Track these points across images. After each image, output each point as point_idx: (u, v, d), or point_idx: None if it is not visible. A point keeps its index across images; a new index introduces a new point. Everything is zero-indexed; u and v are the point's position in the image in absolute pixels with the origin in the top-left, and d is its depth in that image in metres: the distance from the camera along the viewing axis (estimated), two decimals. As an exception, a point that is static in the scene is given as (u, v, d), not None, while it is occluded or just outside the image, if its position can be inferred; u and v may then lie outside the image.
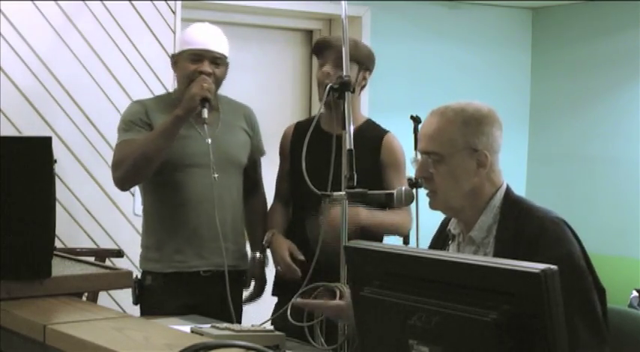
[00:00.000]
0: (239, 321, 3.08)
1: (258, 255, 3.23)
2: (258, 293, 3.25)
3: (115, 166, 3.04)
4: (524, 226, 2.14)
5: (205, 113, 2.96)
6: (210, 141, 2.99)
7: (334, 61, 3.06)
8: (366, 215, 2.98)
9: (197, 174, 3.05)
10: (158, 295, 3.07)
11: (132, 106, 3.16)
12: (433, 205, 2.27)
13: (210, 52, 3.04)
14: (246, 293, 3.22)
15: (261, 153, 3.33)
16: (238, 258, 3.17)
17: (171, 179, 3.06)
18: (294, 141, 3.22)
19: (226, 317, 2.92)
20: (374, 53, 3.22)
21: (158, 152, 2.97)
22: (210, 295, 3.06)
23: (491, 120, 2.22)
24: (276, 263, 3.13)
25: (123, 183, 3.08)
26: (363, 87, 3.20)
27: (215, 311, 2.97)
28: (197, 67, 3.03)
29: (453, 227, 2.32)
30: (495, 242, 2.18)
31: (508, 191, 2.25)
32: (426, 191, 2.27)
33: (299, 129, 3.25)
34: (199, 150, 3.02)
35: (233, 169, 3.14)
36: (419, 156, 2.28)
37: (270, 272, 3.24)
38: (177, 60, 3.12)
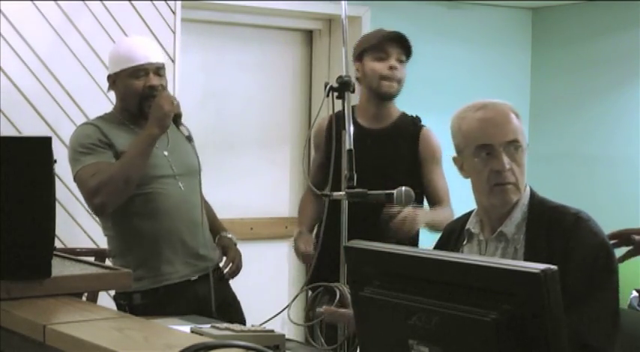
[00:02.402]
0: (243, 317, 3.10)
1: (227, 232, 3.25)
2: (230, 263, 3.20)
3: (94, 193, 2.93)
4: (560, 220, 2.17)
5: (185, 131, 2.99)
6: (166, 153, 3.02)
7: (397, 56, 3.18)
8: (424, 216, 2.98)
9: (163, 185, 3.03)
10: (153, 311, 2.91)
11: (84, 129, 3.07)
12: (511, 198, 2.21)
13: (153, 64, 3.04)
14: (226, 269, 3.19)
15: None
16: (216, 254, 3.19)
17: (141, 193, 3.01)
18: (329, 133, 3.18)
19: (227, 315, 2.92)
20: None
21: (138, 172, 2.94)
22: (206, 297, 3.05)
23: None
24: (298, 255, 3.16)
25: (105, 208, 2.97)
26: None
27: (212, 313, 2.97)
28: (144, 82, 3.02)
29: (472, 226, 2.31)
30: (526, 240, 2.20)
31: (533, 191, 2.28)
32: (506, 183, 2.20)
33: (336, 120, 3.24)
34: (160, 162, 3.03)
35: (193, 175, 3.13)
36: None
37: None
38: (115, 79, 3.07)
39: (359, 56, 3.25)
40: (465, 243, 2.31)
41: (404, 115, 3.31)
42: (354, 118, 3.08)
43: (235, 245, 3.25)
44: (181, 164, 3.09)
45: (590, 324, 2.04)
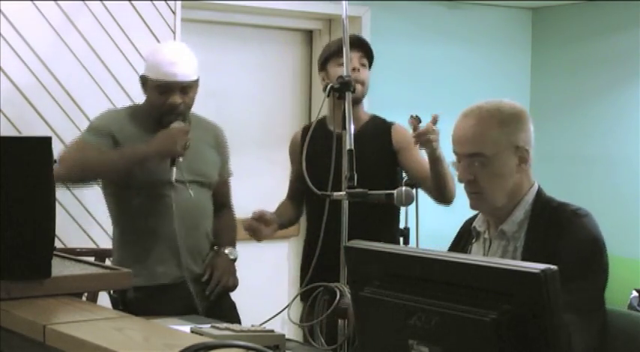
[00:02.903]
0: (237, 320, 3.09)
1: (229, 250, 3.21)
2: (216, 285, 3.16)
3: (64, 160, 2.99)
4: (558, 218, 2.19)
5: (174, 174, 2.99)
6: (181, 159, 3.00)
7: (359, 59, 3.17)
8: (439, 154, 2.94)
9: (171, 190, 3.04)
10: (145, 308, 2.93)
11: (104, 113, 3.19)
12: (478, 206, 2.29)
13: (179, 83, 3.01)
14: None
15: (229, 174, 3.34)
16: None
17: (148, 194, 3.05)
18: (303, 144, 3.21)
19: (221, 317, 2.92)
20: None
21: (112, 173, 3.02)
22: (201, 296, 3.07)
23: (526, 116, 2.28)
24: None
25: (62, 180, 2.99)
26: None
27: (207, 315, 2.97)
28: (166, 98, 3.01)
29: (478, 224, 2.33)
30: (526, 237, 2.22)
31: (540, 190, 2.29)
32: (470, 192, 2.26)
33: (306, 132, 3.25)
34: (168, 175, 3.02)
35: (206, 183, 3.15)
36: (454, 159, 2.28)
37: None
38: (145, 82, 3.09)
39: (322, 65, 3.27)
40: (473, 241, 2.34)
41: (374, 117, 3.31)
42: (325, 126, 3.15)
43: (226, 259, 3.18)
44: (195, 171, 3.11)
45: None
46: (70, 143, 3.12)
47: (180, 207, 3.03)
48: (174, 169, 2.99)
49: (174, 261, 3.06)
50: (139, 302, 3.01)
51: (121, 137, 3.05)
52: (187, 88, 3.04)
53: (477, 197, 2.25)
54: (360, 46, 3.21)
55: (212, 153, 3.20)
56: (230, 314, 3.12)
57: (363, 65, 3.21)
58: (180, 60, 3.03)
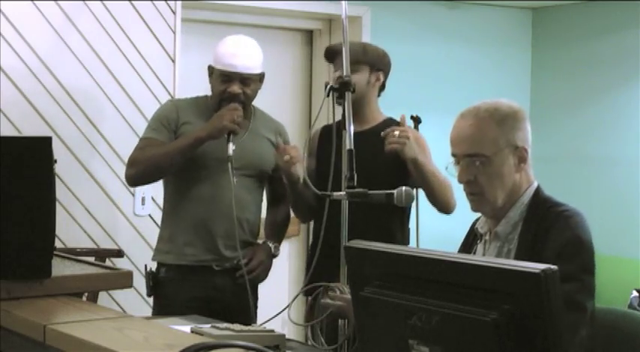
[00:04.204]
0: (254, 317, 3.13)
1: (271, 243, 3.29)
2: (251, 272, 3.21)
3: (130, 163, 3.19)
4: (548, 218, 2.18)
5: (231, 149, 3.05)
6: (233, 147, 3.07)
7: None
8: (414, 148, 3.00)
9: (217, 175, 3.13)
10: (171, 287, 3.16)
11: (165, 105, 3.32)
12: (479, 207, 2.28)
13: (239, 73, 3.13)
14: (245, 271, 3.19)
15: None
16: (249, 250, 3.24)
17: (191, 176, 3.16)
18: (321, 142, 3.27)
19: (239, 312, 2.95)
20: (387, 53, 3.35)
21: (171, 166, 3.12)
22: (223, 289, 3.15)
23: (524, 115, 2.28)
24: None
25: (132, 182, 3.25)
26: (382, 88, 3.33)
27: (227, 305, 3.01)
28: (226, 87, 3.14)
29: (480, 226, 2.33)
30: (519, 239, 2.21)
31: (538, 190, 2.28)
32: (469, 193, 2.26)
33: (326, 131, 3.30)
34: (223, 154, 3.08)
35: (255, 174, 3.23)
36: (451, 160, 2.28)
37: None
38: (212, 71, 3.21)
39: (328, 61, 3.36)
40: (478, 242, 2.34)
41: (389, 119, 3.31)
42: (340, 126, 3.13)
43: (268, 253, 3.28)
44: (246, 161, 3.17)
45: None
46: (136, 146, 3.22)
47: (219, 193, 3.11)
48: (231, 145, 3.05)
49: (204, 245, 3.15)
50: (166, 280, 3.17)
51: (182, 125, 3.16)
52: (248, 80, 3.15)
53: (477, 198, 2.24)
54: (336, 55, 3.20)
55: (269, 147, 3.27)
56: (245, 313, 3.11)
57: (353, 71, 3.20)
58: (242, 52, 3.16)
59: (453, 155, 2.27)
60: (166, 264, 3.20)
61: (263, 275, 3.28)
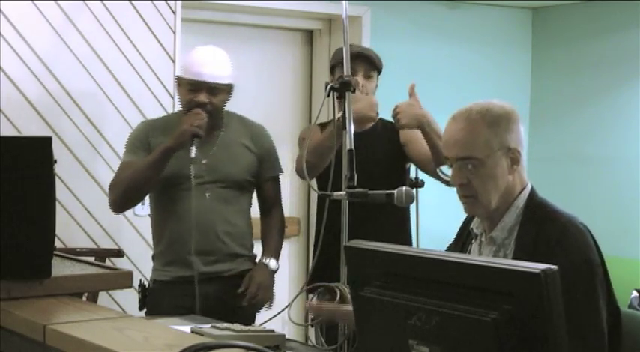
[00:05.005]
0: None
1: (267, 260, 3.22)
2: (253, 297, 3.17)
3: (110, 189, 3.18)
4: (546, 229, 2.14)
5: (193, 151, 2.99)
6: (205, 161, 3.06)
7: (365, 72, 3.25)
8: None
9: (186, 191, 3.08)
10: (156, 299, 3.17)
11: (137, 127, 3.29)
12: (473, 210, 2.26)
13: (206, 83, 3.08)
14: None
15: (275, 171, 3.33)
16: (239, 262, 3.21)
17: (167, 195, 3.15)
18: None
19: (226, 317, 2.92)
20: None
21: (147, 182, 3.08)
22: (206, 297, 3.08)
23: (516, 117, 2.25)
24: None
25: (116, 207, 3.21)
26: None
27: (212, 312, 2.98)
28: (193, 97, 3.08)
29: (475, 226, 2.32)
30: (515, 244, 2.19)
31: (532, 193, 2.26)
32: (462, 196, 2.24)
33: (323, 127, 3.30)
34: (190, 170, 3.05)
35: (231, 185, 3.18)
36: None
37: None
38: (179, 82, 3.18)
39: (331, 69, 3.35)
40: (473, 241, 2.33)
41: (381, 119, 3.33)
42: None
43: (264, 272, 3.19)
44: (218, 173, 3.15)
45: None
46: (117, 171, 3.22)
47: (196, 208, 3.07)
48: (193, 148, 3.00)
49: (181, 261, 3.12)
50: (152, 293, 3.19)
51: (155, 145, 3.13)
52: (215, 90, 3.11)
53: (471, 201, 2.23)
54: (365, 59, 3.27)
55: (244, 154, 3.23)
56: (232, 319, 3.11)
57: (369, 77, 3.28)
58: (211, 62, 3.13)
59: (446, 158, 2.26)
60: (154, 279, 3.23)
61: (267, 296, 3.18)
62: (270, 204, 3.32)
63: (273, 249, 3.26)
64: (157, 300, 3.17)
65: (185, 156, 3.02)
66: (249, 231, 3.27)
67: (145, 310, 3.20)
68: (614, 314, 2.15)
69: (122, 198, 3.13)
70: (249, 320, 3.13)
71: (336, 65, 3.27)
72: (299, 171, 3.15)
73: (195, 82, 3.08)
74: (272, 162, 3.31)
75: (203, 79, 3.08)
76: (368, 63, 3.27)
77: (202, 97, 3.08)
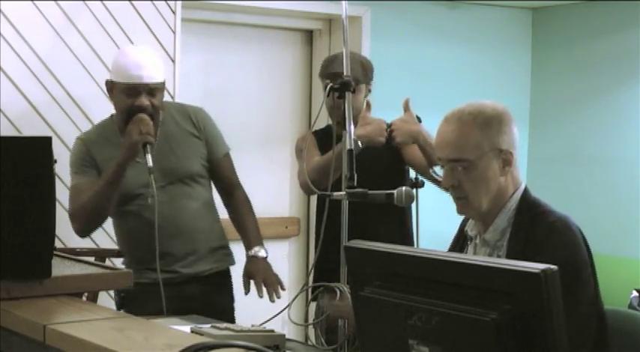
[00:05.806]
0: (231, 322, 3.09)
1: (255, 251, 3.18)
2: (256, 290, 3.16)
3: (72, 217, 3.09)
4: (536, 230, 2.14)
5: (150, 160, 2.92)
6: (151, 164, 2.92)
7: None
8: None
9: (144, 200, 3.02)
10: (137, 300, 3.01)
11: (74, 146, 3.18)
12: (464, 211, 2.26)
13: (146, 85, 3.00)
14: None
15: (223, 149, 3.26)
16: (218, 257, 3.19)
17: (125, 209, 3.09)
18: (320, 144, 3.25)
19: (214, 317, 2.92)
20: (369, 60, 3.35)
21: (108, 201, 3.01)
22: (192, 298, 3.07)
23: (509, 118, 2.24)
24: None
25: (82, 234, 3.16)
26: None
27: (198, 313, 2.96)
28: (133, 100, 2.99)
29: (470, 228, 2.32)
30: (508, 246, 2.18)
31: (525, 193, 2.25)
32: (455, 197, 2.24)
33: (318, 135, 3.31)
34: (141, 179, 3.00)
35: (185, 177, 3.12)
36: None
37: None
38: (112, 87, 3.07)
39: (321, 75, 3.30)
40: (469, 243, 2.33)
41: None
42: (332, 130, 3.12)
43: (256, 263, 3.16)
44: (165, 170, 3.07)
45: None
46: (70, 197, 3.12)
47: (161, 213, 2.97)
48: (149, 156, 2.92)
49: (153, 265, 2.99)
50: (131, 296, 3.06)
51: (101, 159, 3.06)
52: (154, 91, 3.03)
53: (462, 202, 2.23)
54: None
55: (189, 141, 3.15)
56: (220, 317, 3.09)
57: (355, 91, 3.21)
58: (146, 62, 3.03)
59: (438, 159, 2.27)
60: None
61: (275, 278, 3.14)
62: (230, 185, 3.25)
63: (254, 236, 3.20)
64: (139, 306, 2.97)
65: (135, 166, 2.98)
66: (218, 218, 3.23)
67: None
68: (600, 317, 2.13)
69: (87, 224, 3.07)
70: (233, 319, 3.13)
71: (322, 74, 3.24)
72: (303, 186, 3.13)
73: (133, 85, 2.99)
74: (219, 140, 3.24)
75: (143, 81, 2.99)
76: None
77: (144, 100, 2.99)
